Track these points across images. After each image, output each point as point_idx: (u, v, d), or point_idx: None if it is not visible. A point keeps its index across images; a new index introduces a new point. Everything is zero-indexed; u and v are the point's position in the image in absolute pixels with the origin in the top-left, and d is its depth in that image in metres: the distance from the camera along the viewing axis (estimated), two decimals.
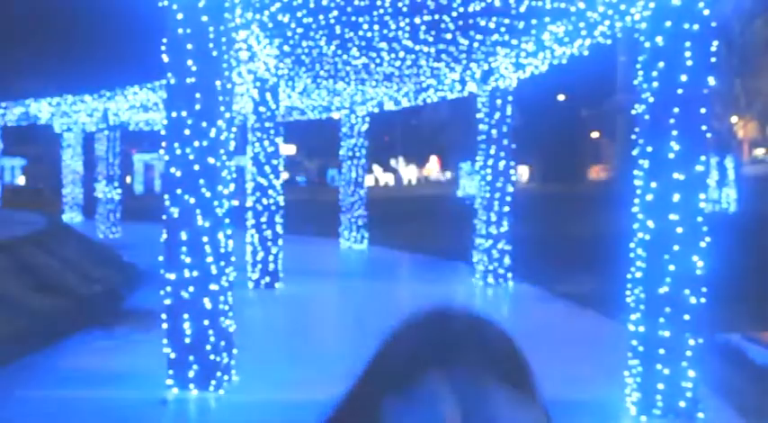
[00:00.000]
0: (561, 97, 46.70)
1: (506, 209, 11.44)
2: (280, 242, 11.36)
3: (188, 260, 5.79)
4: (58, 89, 22.21)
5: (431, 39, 9.53)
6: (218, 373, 5.83)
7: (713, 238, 5.38)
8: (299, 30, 9.04)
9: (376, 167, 64.18)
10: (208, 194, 5.78)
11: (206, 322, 5.78)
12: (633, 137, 5.63)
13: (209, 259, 5.81)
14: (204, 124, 5.79)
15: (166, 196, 5.86)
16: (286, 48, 9.99)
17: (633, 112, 5.74)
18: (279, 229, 11.36)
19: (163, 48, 5.86)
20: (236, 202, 6.21)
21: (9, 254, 10.21)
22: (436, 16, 8.52)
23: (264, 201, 11.23)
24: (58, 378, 6.39)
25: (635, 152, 5.57)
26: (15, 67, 45.65)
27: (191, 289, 5.79)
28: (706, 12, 5.26)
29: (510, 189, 11.49)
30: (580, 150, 48.40)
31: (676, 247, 5.26)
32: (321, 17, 8.47)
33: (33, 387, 6.13)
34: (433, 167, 71.74)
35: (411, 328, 1.04)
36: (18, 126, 25.24)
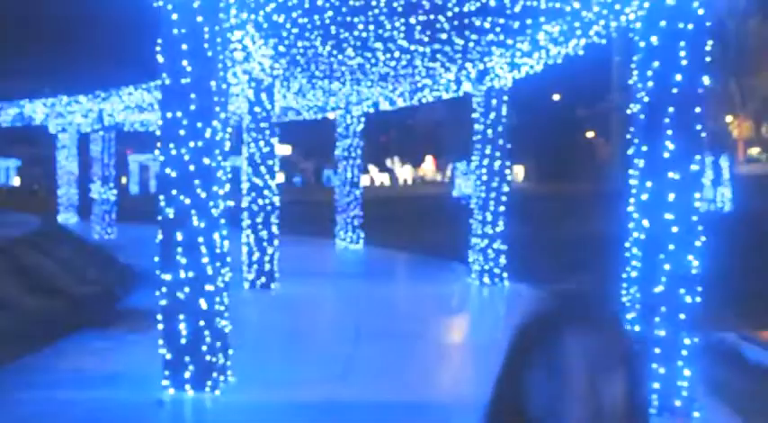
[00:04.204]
0: (556, 97, 46.77)
1: (502, 208, 11.45)
2: (275, 242, 11.35)
3: (183, 261, 5.78)
4: (52, 90, 22.16)
5: (426, 39, 9.53)
6: (214, 374, 5.82)
7: (708, 237, 5.39)
8: (295, 30, 9.04)
9: (372, 168, 64.18)
10: (203, 195, 5.78)
11: (202, 323, 5.77)
12: (628, 136, 5.63)
13: (205, 260, 5.81)
14: (199, 125, 5.78)
15: (162, 197, 5.85)
16: (281, 48, 9.99)
17: (628, 111, 5.75)
18: (274, 229, 11.35)
19: (158, 48, 5.85)
20: (231, 203, 6.20)
21: (4, 255, 10.19)
22: (431, 16, 8.52)
23: (260, 201, 11.22)
24: (53, 379, 6.37)
25: (630, 151, 5.58)
26: (10, 68, 45.56)
27: (186, 290, 5.78)
28: (701, 11, 5.27)
29: (505, 189, 11.50)
30: (575, 150, 48.48)
31: (671, 247, 5.27)
32: (316, 17, 8.47)
33: (29, 388, 6.11)
34: (428, 167, 71.73)
35: (552, 299, 1.24)
36: (13, 127, 25.17)
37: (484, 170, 11.44)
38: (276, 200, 11.38)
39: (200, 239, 5.79)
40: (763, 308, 8.49)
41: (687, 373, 5.23)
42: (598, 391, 1.12)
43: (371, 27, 8.93)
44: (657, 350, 5.23)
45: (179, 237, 5.77)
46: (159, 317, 5.86)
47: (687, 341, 5.26)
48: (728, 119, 24.95)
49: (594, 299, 1.20)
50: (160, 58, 5.83)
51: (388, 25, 8.85)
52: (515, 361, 1.19)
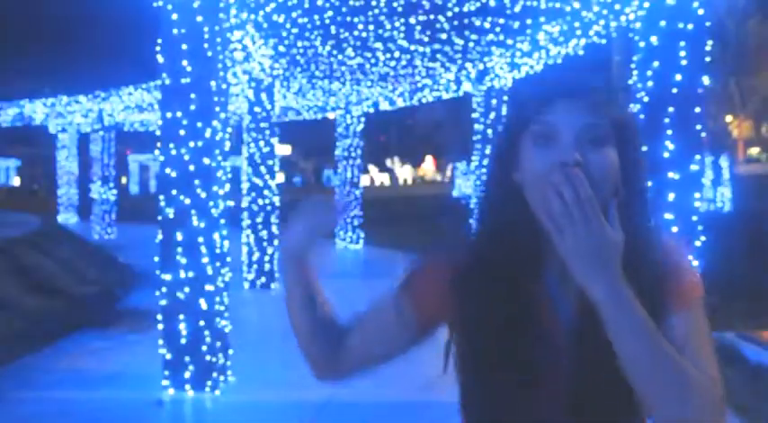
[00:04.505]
0: None
1: None
2: (275, 242, 11.35)
3: (183, 261, 5.78)
4: (52, 90, 22.15)
5: (426, 39, 9.54)
6: (214, 374, 5.82)
7: (708, 237, 5.39)
8: (294, 30, 9.04)
9: (371, 168, 64.19)
10: (203, 195, 5.78)
11: (202, 323, 5.77)
12: None
13: (205, 260, 5.81)
14: (199, 125, 5.78)
15: (161, 197, 5.85)
16: (281, 48, 9.99)
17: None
18: (274, 229, 11.35)
19: (158, 48, 5.85)
20: (231, 203, 6.20)
21: (4, 255, 10.19)
22: (431, 16, 8.53)
23: (260, 201, 11.22)
24: (53, 379, 6.37)
25: None
26: (10, 68, 45.55)
27: (186, 290, 5.78)
28: (700, 11, 5.27)
29: None
30: None
31: None
32: (316, 17, 8.47)
33: (28, 388, 6.12)
34: (428, 167, 71.74)
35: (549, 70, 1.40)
36: (13, 127, 25.17)
37: (484, 170, 11.45)
38: (276, 200, 11.39)
39: (200, 239, 5.79)
40: (762, 308, 8.50)
41: None
42: (587, 157, 1.18)
43: (371, 27, 8.93)
44: None
45: (179, 237, 5.78)
46: (159, 317, 5.86)
47: None
48: (728, 119, 24.96)
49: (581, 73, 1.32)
50: (160, 58, 5.84)
51: (387, 25, 8.85)
52: (510, 131, 1.28)
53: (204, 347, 5.78)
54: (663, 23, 5.30)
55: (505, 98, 11.39)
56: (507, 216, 1.28)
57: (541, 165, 1.19)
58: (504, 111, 11.43)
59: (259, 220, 11.22)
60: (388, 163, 69.65)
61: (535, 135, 1.22)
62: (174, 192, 5.79)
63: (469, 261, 1.33)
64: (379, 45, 9.84)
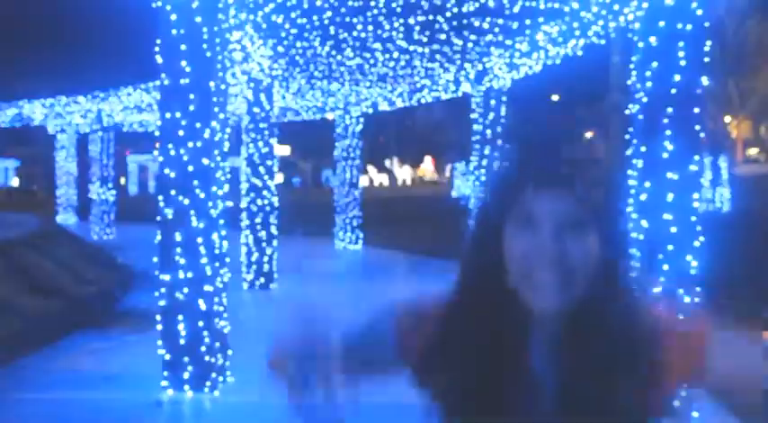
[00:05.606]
0: (555, 97, 46.79)
1: None
2: (274, 243, 11.35)
3: (182, 261, 5.78)
4: (51, 90, 22.12)
5: (425, 39, 9.54)
6: (213, 375, 5.82)
7: (707, 237, 5.39)
8: (293, 30, 9.04)
9: (370, 168, 64.20)
10: (202, 195, 5.78)
11: (201, 323, 5.77)
12: (627, 137, 5.64)
13: (204, 260, 5.81)
14: (198, 125, 5.78)
15: (160, 197, 5.85)
16: (280, 48, 9.99)
17: (627, 112, 5.75)
18: (273, 229, 11.35)
19: (157, 49, 5.85)
20: (230, 203, 6.20)
21: (2, 256, 10.18)
22: (430, 17, 8.53)
23: (259, 202, 11.22)
24: (52, 380, 6.37)
25: (629, 152, 5.58)
26: (9, 69, 45.51)
27: (185, 290, 5.78)
28: (699, 12, 5.27)
29: None
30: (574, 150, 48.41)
31: (670, 247, 5.27)
32: (315, 18, 8.47)
33: (27, 389, 6.12)
34: (427, 168, 71.74)
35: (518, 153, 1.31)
36: (11, 127, 25.14)
37: (483, 170, 11.45)
38: (275, 200, 11.39)
39: (199, 240, 5.79)
40: (762, 308, 8.50)
41: None
42: (567, 249, 1.19)
43: (370, 27, 8.93)
44: None
45: (178, 237, 5.78)
46: (158, 317, 5.86)
47: None
48: (727, 119, 24.99)
49: (560, 149, 1.28)
50: (159, 59, 5.84)
51: (386, 26, 8.85)
52: (491, 216, 1.27)
53: (203, 348, 5.78)
54: (662, 24, 5.30)
55: (503, 111, 11.36)
56: (491, 290, 1.28)
57: (523, 246, 1.21)
58: (503, 111, 11.43)
59: (258, 220, 11.22)
60: (387, 163, 69.65)
61: (516, 219, 1.23)
62: (172, 192, 5.79)
63: (455, 325, 1.35)
64: (378, 46, 9.84)
